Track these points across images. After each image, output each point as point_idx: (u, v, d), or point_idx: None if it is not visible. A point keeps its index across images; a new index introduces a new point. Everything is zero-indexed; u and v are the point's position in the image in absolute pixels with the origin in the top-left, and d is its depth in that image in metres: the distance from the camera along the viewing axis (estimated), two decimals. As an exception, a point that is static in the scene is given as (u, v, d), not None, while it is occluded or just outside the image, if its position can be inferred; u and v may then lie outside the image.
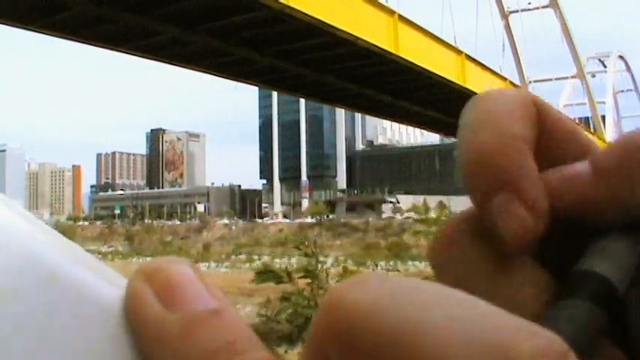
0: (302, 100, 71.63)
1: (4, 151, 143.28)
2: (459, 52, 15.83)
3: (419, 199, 70.37)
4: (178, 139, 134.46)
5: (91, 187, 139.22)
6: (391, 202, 73.06)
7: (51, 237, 0.17)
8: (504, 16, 26.57)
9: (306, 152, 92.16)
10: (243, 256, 52.92)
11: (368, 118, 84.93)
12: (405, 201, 71.56)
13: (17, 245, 0.16)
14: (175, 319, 0.16)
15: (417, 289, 0.14)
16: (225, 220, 73.47)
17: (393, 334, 0.13)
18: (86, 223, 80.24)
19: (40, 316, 0.16)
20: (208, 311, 0.16)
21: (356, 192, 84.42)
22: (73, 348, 0.16)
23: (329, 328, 0.14)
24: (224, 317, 0.16)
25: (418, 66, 13.46)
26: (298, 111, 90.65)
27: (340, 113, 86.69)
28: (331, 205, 73.16)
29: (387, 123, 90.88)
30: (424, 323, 0.13)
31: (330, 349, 0.14)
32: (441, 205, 58.30)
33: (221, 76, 14.07)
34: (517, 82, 22.52)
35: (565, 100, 31.43)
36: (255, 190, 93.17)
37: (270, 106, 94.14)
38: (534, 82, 28.39)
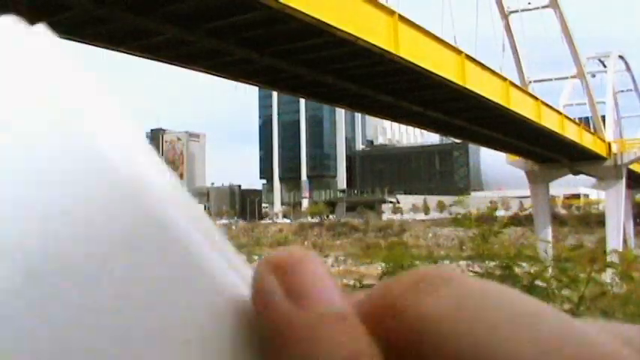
0: (302, 100, 71.65)
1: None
2: (459, 52, 15.81)
3: (419, 199, 70.42)
4: (178, 139, 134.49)
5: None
6: (391, 202, 73.08)
7: (194, 210, 0.16)
8: (504, 16, 26.57)
9: (306, 152, 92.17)
10: (242, 256, 53.04)
11: (368, 118, 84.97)
12: (405, 201, 71.57)
13: (146, 205, 0.14)
14: (305, 318, 0.15)
15: (500, 294, 0.13)
16: (225, 220, 73.56)
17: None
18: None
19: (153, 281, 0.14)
20: (337, 315, 0.15)
21: (356, 192, 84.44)
22: (188, 330, 0.15)
23: (396, 334, 0.14)
24: (351, 323, 0.15)
25: (418, 66, 13.45)
26: (298, 111, 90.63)
27: (340, 113, 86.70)
28: (331, 205, 73.21)
29: (387, 123, 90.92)
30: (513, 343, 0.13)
31: (394, 351, 0.14)
32: (441, 205, 58.35)
33: (221, 76, 14.06)
34: (517, 82, 22.50)
35: (565, 100, 31.39)
36: (255, 190, 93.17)
37: (270, 106, 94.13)
38: (534, 82, 28.36)
